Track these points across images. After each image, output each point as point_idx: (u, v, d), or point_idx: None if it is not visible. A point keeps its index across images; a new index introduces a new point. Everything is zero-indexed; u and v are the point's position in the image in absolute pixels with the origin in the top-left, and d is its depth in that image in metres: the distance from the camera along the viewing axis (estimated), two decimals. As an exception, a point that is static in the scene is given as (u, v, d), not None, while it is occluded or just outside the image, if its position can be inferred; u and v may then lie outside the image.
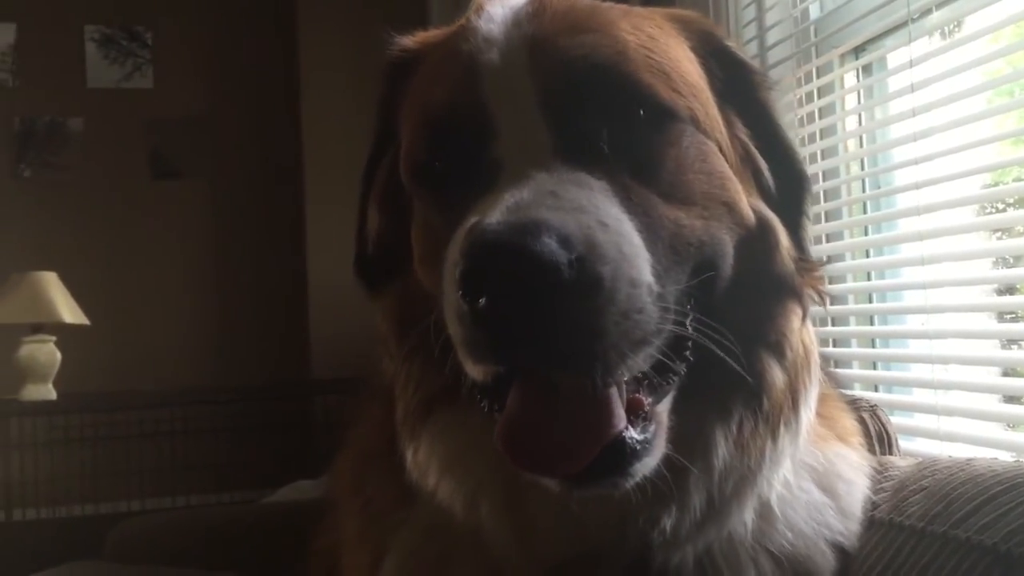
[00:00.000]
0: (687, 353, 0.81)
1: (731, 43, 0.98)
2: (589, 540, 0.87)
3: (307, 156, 4.65)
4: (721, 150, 0.89)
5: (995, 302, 1.70)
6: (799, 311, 0.92)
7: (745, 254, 0.87)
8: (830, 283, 1.77)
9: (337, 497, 1.16)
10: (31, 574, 1.75)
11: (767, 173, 0.94)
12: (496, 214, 0.70)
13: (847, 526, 0.98)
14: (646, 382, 0.79)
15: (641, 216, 0.78)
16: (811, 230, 0.98)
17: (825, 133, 1.91)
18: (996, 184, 1.65)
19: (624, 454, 0.76)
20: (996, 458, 1.09)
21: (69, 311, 4.10)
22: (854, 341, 1.90)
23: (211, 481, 4.12)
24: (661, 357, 0.77)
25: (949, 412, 1.54)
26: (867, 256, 1.88)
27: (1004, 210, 1.66)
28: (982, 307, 1.73)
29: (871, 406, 1.33)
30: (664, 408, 0.81)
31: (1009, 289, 1.68)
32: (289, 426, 4.38)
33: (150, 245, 4.84)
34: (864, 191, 1.86)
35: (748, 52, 1.96)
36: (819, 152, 1.90)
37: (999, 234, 1.66)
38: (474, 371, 0.76)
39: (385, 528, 0.99)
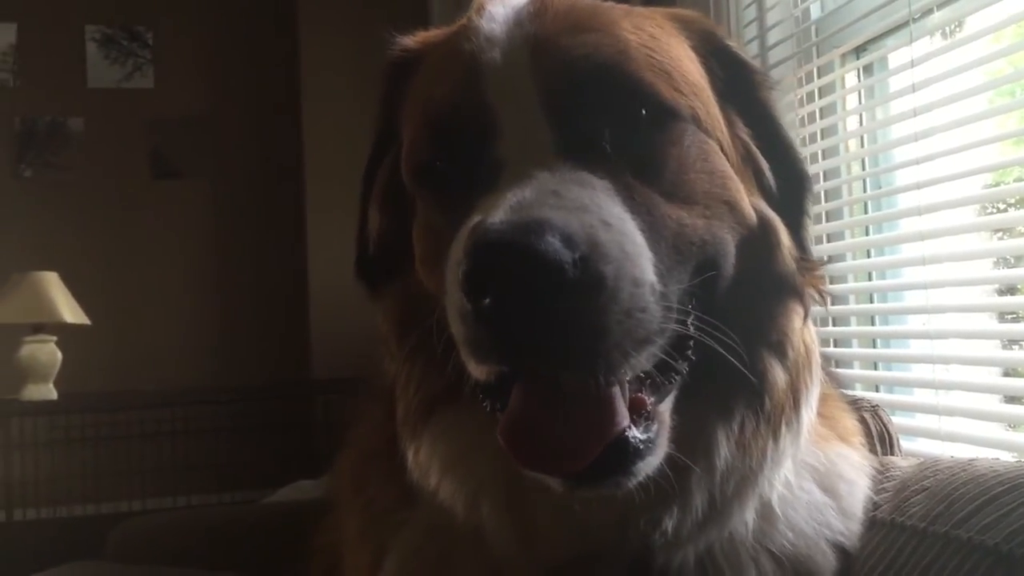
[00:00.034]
0: (689, 352, 0.81)
1: (732, 42, 0.98)
2: (590, 540, 0.87)
3: (308, 156, 4.65)
4: (722, 149, 0.89)
5: (996, 302, 1.70)
6: (800, 311, 0.92)
7: (747, 253, 0.87)
8: (831, 283, 1.76)
9: (338, 497, 1.16)
10: (32, 574, 1.75)
11: (768, 173, 0.94)
12: (499, 213, 0.70)
13: (848, 526, 0.98)
14: (648, 381, 0.79)
15: (644, 215, 0.78)
16: (812, 230, 0.98)
17: (826, 133, 1.91)
18: (997, 184, 1.65)
19: (627, 453, 0.76)
20: (998, 458, 1.09)
21: (70, 311, 4.10)
22: (855, 341, 1.90)
23: (212, 481, 4.12)
24: (663, 356, 0.77)
25: (950, 412, 1.54)
26: (868, 256, 1.88)
27: (1005, 210, 1.66)
28: (983, 307, 1.73)
29: (872, 406, 1.33)
30: (666, 407, 0.81)
31: (1010, 289, 1.68)
32: (290, 426, 4.38)
33: (151, 245, 4.84)
34: (865, 191, 1.86)
35: (749, 52, 1.97)
36: (820, 152, 1.90)
37: (1000, 234, 1.66)
38: (477, 371, 0.76)
39: (386, 528, 0.99)
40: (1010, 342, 1.67)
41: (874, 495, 1.04)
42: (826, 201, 1.89)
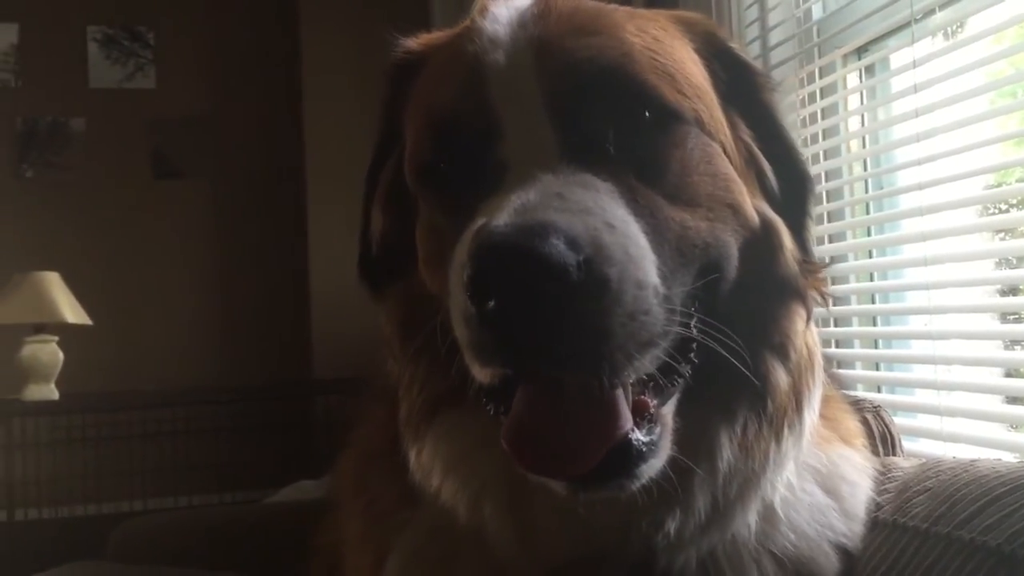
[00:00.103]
0: (692, 355, 0.81)
1: (735, 44, 0.98)
2: (593, 542, 0.87)
3: (309, 156, 4.65)
4: (725, 152, 0.89)
5: (998, 303, 1.70)
6: (803, 313, 0.92)
7: (749, 256, 0.87)
8: (833, 284, 1.77)
9: (340, 497, 1.16)
10: (33, 574, 1.75)
11: (771, 175, 0.94)
12: (503, 216, 0.70)
13: (851, 527, 0.98)
14: (651, 384, 0.79)
15: (647, 218, 0.78)
16: (814, 231, 0.98)
17: (828, 134, 1.91)
18: (999, 185, 1.65)
19: (630, 456, 0.76)
20: (1000, 459, 1.09)
21: (71, 311, 4.10)
22: (857, 342, 1.90)
23: (213, 481, 4.13)
24: (666, 359, 0.77)
25: (952, 413, 1.54)
26: (870, 257, 1.88)
27: (1007, 211, 1.66)
28: (985, 308, 1.73)
29: (874, 407, 1.34)
30: (669, 410, 0.81)
31: (1012, 290, 1.68)
32: (291, 426, 4.38)
33: (152, 245, 4.84)
34: (867, 192, 1.86)
35: (751, 52, 1.97)
36: (822, 153, 1.90)
37: (1002, 235, 1.66)
38: (480, 374, 0.76)
39: (388, 528, 0.99)
40: (1012, 343, 1.67)
41: (876, 496, 1.04)
42: (828, 202, 1.89)
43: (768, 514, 0.92)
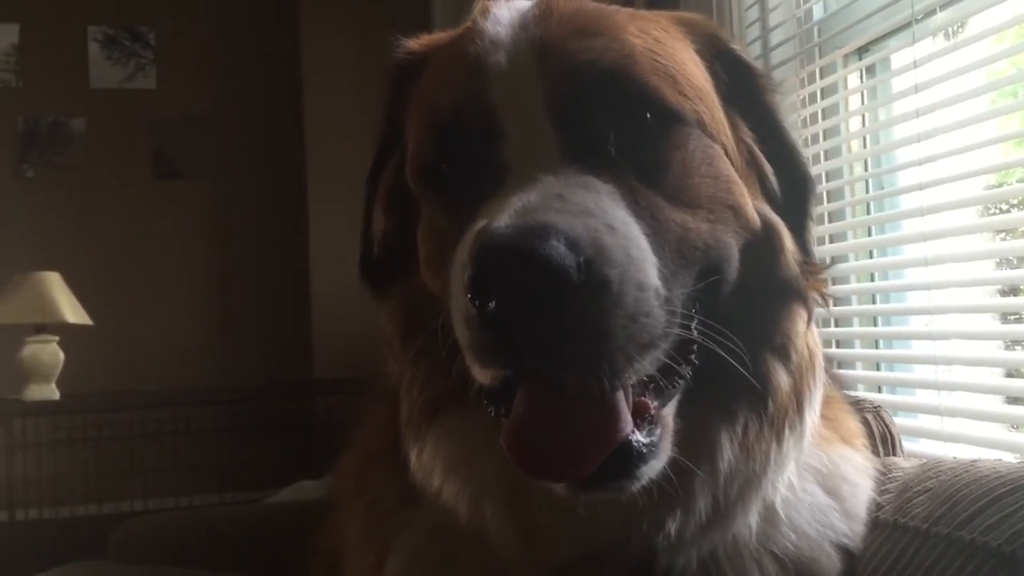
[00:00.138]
0: (693, 356, 0.81)
1: (736, 46, 0.98)
2: (593, 542, 0.87)
3: (310, 156, 4.65)
4: (727, 153, 0.89)
5: (999, 303, 1.70)
6: (804, 314, 0.92)
7: (750, 258, 0.88)
8: (833, 284, 1.77)
9: (341, 497, 1.16)
10: (34, 574, 1.75)
11: (772, 176, 0.94)
12: (504, 217, 0.70)
13: (852, 528, 0.98)
14: (652, 385, 0.79)
15: (648, 219, 0.78)
16: (815, 232, 0.98)
17: (829, 134, 1.91)
18: (1000, 185, 1.65)
19: (631, 458, 0.76)
20: (1000, 459, 1.09)
21: (72, 311, 4.10)
22: (858, 342, 1.90)
23: (214, 481, 4.13)
24: (667, 360, 0.77)
25: (952, 413, 1.54)
26: (871, 257, 1.88)
27: (1008, 211, 1.66)
28: (985, 308, 1.73)
29: (874, 407, 1.34)
30: (670, 411, 0.81)
31: (1013, 290, 1.68)
32: (291, 426, 4.38)
33: (153, 245, 4.85)
34: (868, 192, 1.86)
35: (752, 53, 1.96)
36: (823, 153, 1.90)
37: (1003, 235, 1.66)
38: (481, 375, 0.76)
39: (389, 529, 0.99)
40: (1012, 343, 1.67)
41: (877, 496, 1.04)
42: (829, 202, 1.88)
43: (769, 514, 0.92)
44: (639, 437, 0.77)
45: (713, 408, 0.86)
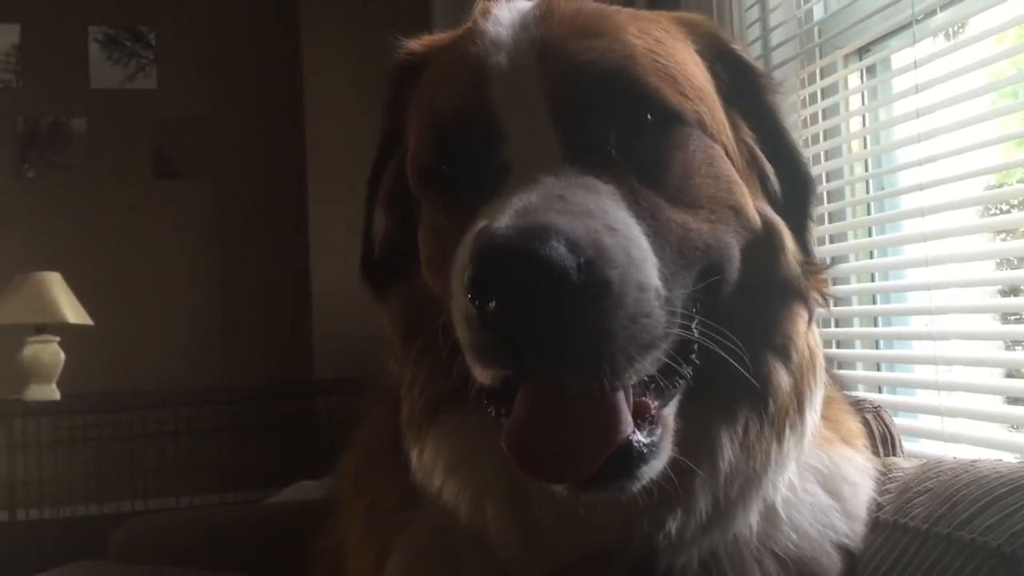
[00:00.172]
0: (693, 356, 0.81)
1: (737, 46, 0.98)
2: (594, 542, 0.87)
3: (310, 156, 4.65)
4: (727, 154, 0.89)
5: (999, 303, 1.70)
6: (805, 314, 0.92)
7: (751, 258, 0.88)
8: (834, 284, 1.77)
9: (341, 497, 1.16)
10: (35, 574, 1.75)
11: (772, 177, 0.94)
12: (505, 218, 0.70)
13: (852, 528, 0.98)
14: (652, 386, 0.79)
15: (649, 220, 0.78)
16: (815, 232, 0.98)
17: (829, 134, 1.91)
18: (1000, 186, 1.65)
19: (631, 458, 0.76)
20: (1000, 460, 1.09)
21: (73, 311, 4.10)
22: (858, 342, 1.90)
23: (214, 481, 4.13)
24: (667, 361, 0.77)
25: (953, 413, 1.54)
26: (871, 257, 1.88)
27: (1008, 212, 1.66)
28: (986, 308, 1.73)
29: (875, 407, 1.34)
30: (670, 411, 0.82)
31: (1013, 290, 1.68)
32: (292, 426, 4.38)
33: (153, 245, 4.85)
34: (868, 192, 1.86)
35: (752, 53, 1.96)
36: (823, 153, 1.90)
37: (1003, 235, 1.66)
38: (482, 375, 0.76)
39: (390, 529, 0.99)
40: (1013, 343, 1.67)
41: (877, 496, 1.04)
42: (829, 202, 1.88)
43: (770, 514, 0.92)
44: (640, 437, 0.77)
45: (714, 408, 0.86)
